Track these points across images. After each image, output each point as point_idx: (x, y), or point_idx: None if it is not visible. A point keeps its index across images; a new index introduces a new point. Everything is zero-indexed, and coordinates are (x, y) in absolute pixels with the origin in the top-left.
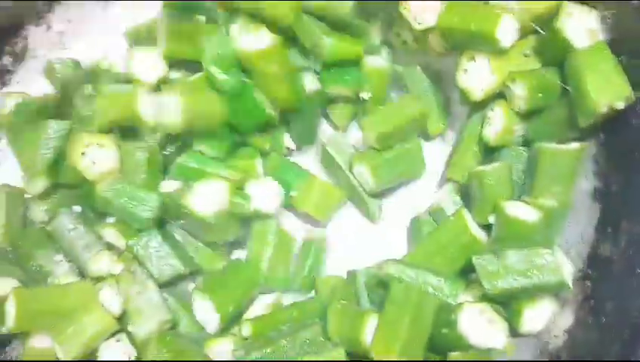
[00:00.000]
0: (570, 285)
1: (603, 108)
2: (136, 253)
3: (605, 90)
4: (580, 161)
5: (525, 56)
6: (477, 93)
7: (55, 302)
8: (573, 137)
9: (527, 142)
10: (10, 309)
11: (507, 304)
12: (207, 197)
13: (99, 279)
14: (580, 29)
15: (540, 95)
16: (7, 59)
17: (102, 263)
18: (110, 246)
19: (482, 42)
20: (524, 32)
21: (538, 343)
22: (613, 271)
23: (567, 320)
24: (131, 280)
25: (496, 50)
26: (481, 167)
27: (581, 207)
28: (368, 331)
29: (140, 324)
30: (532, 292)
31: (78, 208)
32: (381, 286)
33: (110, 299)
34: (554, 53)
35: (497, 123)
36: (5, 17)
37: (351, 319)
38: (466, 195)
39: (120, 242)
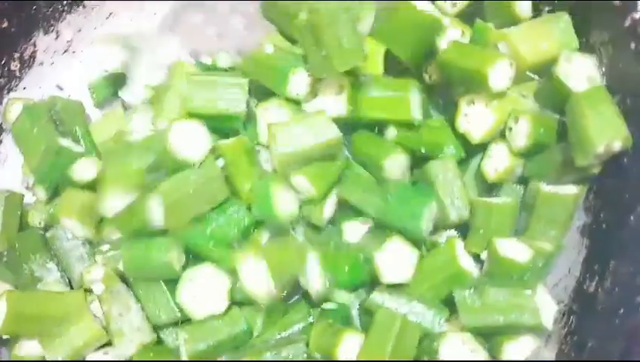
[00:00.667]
0: (549, 327)
1: (601, 148)
2: None
3: (604, 130)
4: (577, 205)
5: (524, 97)
6: (477, 135)
7: (46, 307)
8: (569, 178)
9: (523, 180)
10: (1, 311)
11: (488, 336)
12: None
13: (91, 290)
14: (579, 75)
15: (541, 134)
16: (14, 65)
17: (95, 275)
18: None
19: (476, 83)
20: (523, 77)
21: None
22: (597, 308)
23: (550, 353)
24: (113, 301)
25: (491, 94)
26: (488, 199)
27: (570, 241)
28: (344, 348)
29: (121, 346)
30: (510, 330)
31: None
32: (369, 312)
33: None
34: (553, 97)
35: (498, 160)
36: (15, 23)
37: (330, 335)
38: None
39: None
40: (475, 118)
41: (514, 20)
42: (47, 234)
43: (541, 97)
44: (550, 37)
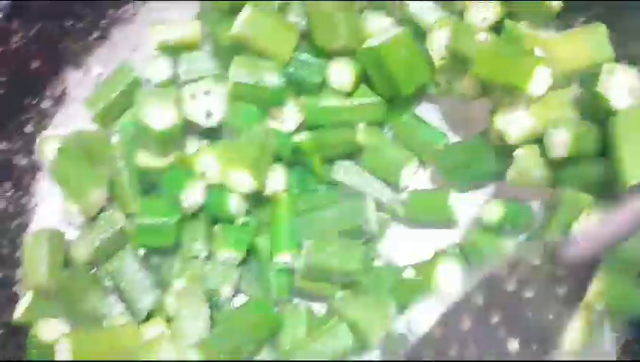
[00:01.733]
0: None
1: (633, 182)
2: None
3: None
4: None
5: (562, 105)
6: (513, 135)
7: (107, 345)
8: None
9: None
10: (64, 354)
11: None
12: None
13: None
14: (622, 87)
15: (581, 145)
16: (46, 103)
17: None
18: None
19: (515, 92)
20: (564, 82)
21: None
22: None
23: None
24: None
25: (530, 99)
26: None
27: None
28: None
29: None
30: None
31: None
32: None
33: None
34: (593, 109)
35: (521, 164)
36: (45, 61)
37: None
38: None
39: None
40: (512, 118)
41: (544, 17)
42: (108, 267)
43: (580, 107)
44: (587, 46)
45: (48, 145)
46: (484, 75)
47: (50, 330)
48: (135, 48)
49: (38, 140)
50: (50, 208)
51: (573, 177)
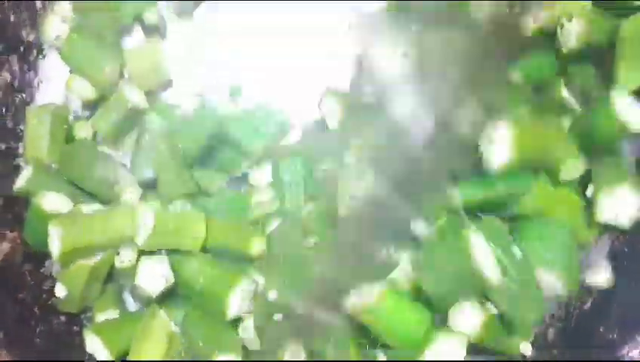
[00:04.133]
0: None
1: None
2: None
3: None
4: None
5: None
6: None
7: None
8: None
9: None
10: (55, 241)
11: None
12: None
13: None
14: None
15: (594, 36)
16: None
17: None
18: None
19: None
20: None
21: None
22: None
23: None
24: None
25: None
26: None
27: None
28: None
29: None
30: None
31: None
32: None
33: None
34: None
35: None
36: None
37: None
38: None
39: None
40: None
41: None
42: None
43: None
44: None
45: (52, 22)
46: None
47: (52, 202)
48: None
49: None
50: (55, 86)
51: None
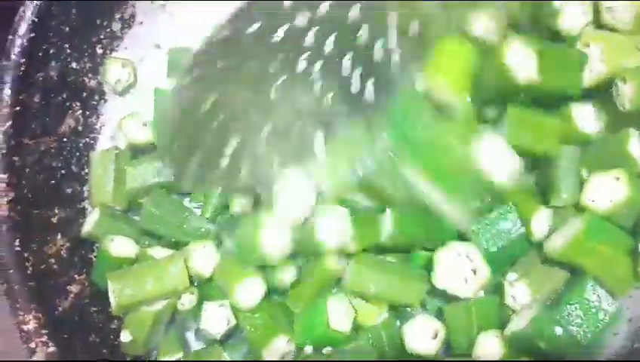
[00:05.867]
0: None
1: None
2: None
3: None
4: None
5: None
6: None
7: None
8: None
9: None
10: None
11: None
12: None
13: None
14: None
15: None
16: (116, 26)
17: None
18: None
19: None
20: None
21: None
22: None
23: None
24: None
25: None
26: None
27: None
28: None
29: None
30: None
31: None
32: None
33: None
34: None
35: None
36: None
37: None
38: None
39: None
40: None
41: None
42: None
43: None
44: None
45: (114, 67)
46: None
47: (119, 246)
48: None
49: (107, 61)
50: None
51: None
